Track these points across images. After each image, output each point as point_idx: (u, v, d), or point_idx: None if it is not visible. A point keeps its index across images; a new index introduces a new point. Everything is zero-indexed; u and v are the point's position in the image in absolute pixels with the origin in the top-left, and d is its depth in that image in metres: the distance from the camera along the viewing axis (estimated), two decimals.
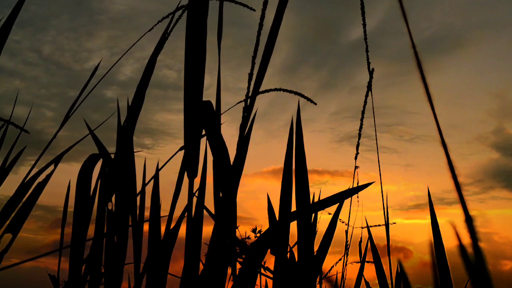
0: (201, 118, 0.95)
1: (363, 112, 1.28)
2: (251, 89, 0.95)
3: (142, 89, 1.06)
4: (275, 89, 1.08)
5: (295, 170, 1.11)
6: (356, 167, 1.39)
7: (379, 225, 1.57)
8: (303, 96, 1.10)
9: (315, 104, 1.12)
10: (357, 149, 1.34)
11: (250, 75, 0.95)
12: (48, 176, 1.27)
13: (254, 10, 1.05)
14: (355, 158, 1.34)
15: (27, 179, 1.35)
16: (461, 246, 0.47)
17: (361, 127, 1.31)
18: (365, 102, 1.29)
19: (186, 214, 1.00)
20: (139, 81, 1.07)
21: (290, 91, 1.10)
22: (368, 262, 1.57)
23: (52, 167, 1.40)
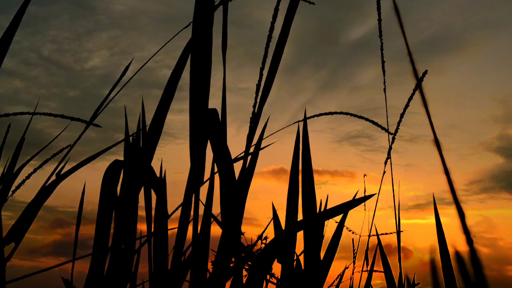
0: (207, 127, 0.96)
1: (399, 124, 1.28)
2: (258, 100, 0.96)
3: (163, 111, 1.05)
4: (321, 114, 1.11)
5: (301, 179, 1.11)
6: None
7: (386, 233, 1.57)
8: (372, 122, 1.12)
9: (387, 131, 1.15)
10: (385, 164, 1.34)
11: (258, 86, 0.96)
12: (53, 186, 1.27)
13: (314, 3, 1.03)
14: (385, 163, 1.34)
15: (48, 184, 1.33)
16: (457, 254, 0.47)
17: (393, 140, 1.31)
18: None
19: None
20: (158, 105, 1.04)
21: (354, 115, 1.12)
22: (376, 271, 1.57)
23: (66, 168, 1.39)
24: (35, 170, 1.38)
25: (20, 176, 1.55)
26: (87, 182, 1.45)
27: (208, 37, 0.94)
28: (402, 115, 1.33)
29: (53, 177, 1.30)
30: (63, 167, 1.41)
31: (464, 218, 0.42)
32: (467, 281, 0.46)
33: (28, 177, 1.38)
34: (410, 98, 1.30)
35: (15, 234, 1.23)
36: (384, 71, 1.32)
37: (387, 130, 1.26)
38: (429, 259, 0.56)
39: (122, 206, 1.06)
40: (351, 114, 1.24)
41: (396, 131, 1.35)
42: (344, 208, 0.98)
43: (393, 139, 1.35)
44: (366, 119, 1.24)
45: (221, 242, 0.96)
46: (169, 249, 1.10)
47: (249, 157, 0.98)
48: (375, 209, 1.40)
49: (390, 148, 1.33)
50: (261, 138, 0.98)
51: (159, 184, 1.10)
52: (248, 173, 0.96)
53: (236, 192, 0.95)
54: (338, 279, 1.74)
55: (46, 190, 1.29)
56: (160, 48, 1.21)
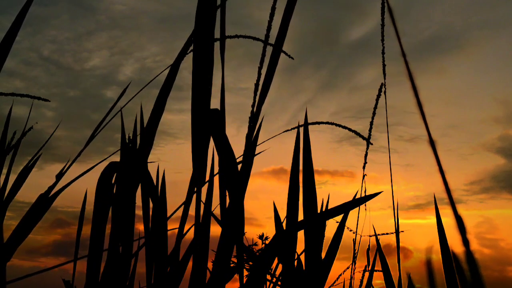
0: (208, 127, 0.96)
1: (371, 123, 1.30)
2: (257, 99, 0.96)
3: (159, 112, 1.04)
4: (327, 123, 1.13)
5: (302, 179, 1.11)
6: (364, 175, 1.39)
7: (387, 233, 1.56)
8: (359, 134, 1.15)
9: (370, 142, 1.18)
10: (365, 159, 1.35)
11: (256, 85, 0.96)
12: (53, 198, 1.26)
13: (292, 58, 1.08)
14: (363, 168, 1.35)
15: (51, 193, 1.32)
16: (453, 254, 0.48)
17: (369, 137, 1.32)
18: (376, 103, 1.30)
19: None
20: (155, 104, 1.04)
21: (341, 126, 1.14)
22: (376, 271, 1.57)
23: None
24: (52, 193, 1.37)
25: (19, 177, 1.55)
26: (86, 183, 1.45)
27: (209, 36, 0.94)
28: (372, 121, 1.35)
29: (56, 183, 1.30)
30: (65, 171, 1.40)
31: (460, 219, 0.42)
32: (464, 281, 0.46)
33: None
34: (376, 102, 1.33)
35: (15, 242, 1.22)
36: (384, 74, 1.33)
37: (366, 139, 1.28)
38: (425, 259, 0.56)
39: (118, 207, 1.06)
40: (335, 124, 1.26)
41: (369, 137, 1.37)
42: (345, 208, 0.98)
43: (368, 144, 1.37)
44: (345, 128, 1.26)
45: (221, 241, 0.96)
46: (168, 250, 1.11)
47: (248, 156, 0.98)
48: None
49: (366, 154, 1.35)
50: (256, 138, 0.97)
51: (155, 190, 1.10)
52: (245, 171, 0.96)
53: (239, 191, 0.95)
54: (338, 279, 1.73)
55: (50, 199, 1.28)
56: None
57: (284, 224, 1.18)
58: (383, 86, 1.39)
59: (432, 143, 0.44)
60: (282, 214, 1.25)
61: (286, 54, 1.08)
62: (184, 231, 1.03)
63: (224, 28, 1.01)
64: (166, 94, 1.02)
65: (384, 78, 1.32)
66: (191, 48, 1.01)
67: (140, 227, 1.24)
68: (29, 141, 1.79)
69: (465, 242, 0.41)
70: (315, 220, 1.07)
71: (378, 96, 1.38)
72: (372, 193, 1.14)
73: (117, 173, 1.12)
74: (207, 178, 1.01)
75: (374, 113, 1.40)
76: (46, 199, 1.23)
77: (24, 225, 1.19)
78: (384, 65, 1.29)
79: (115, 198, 1.07)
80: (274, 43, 0.93)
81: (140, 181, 1.07)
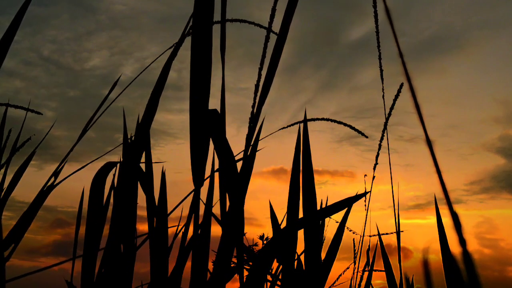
0: (207, 127, 0.96)
1: (385, 124, 1.30)
2: (257, 100, 0.96)
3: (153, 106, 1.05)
4: (323, 119, 1.13)
5: (302, 178, 1.11)
6: (370, 176, 1.40)
7: (387, 233, 1.56)
8: (354, 129, 1.15)
9: (367, 137, 1.19)
10: (376, 159, 1.35)
11: (257, 86, 0.96)
12: (50, 188, 1.27)
13: (265, 27, 1.06)
14: (374, 169, 1.36)
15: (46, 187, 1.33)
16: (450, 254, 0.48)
17: (381, 139, 1.32)
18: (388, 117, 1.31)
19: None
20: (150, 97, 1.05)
21: (340, 122, 1.15)
22: (376, 270, 1.57)
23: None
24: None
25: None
26: (86, 182, 1.46)
27: (208, 35, 0.94)
28: (387, 119, 1.36)
29: (52, 179, 1.31)
30: (62, 167, 1.41)
31: (456, 216, 0.42)
32: (461, 282, 0.46)
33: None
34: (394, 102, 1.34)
35: (14, 237, 1.23)
36: (382, 79, 1.34)
37: (363, 134, 1.29)
38: (422, 259, 0.56)
39: (120, 204, 1.06)
40: (333, 120, 1.27)
41: (382, 137, 1.38)
42: (344, 205, 0.98)
43: (380, 146, 1.38)
44: (346, 124, 1.27)
45: (222, 241, 0.96)
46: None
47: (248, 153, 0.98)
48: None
49: (378, 155, 1.35)
50: (257, 139, 0.98)
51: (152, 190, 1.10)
52: (247, 171, 0.96)
53: (239, 192, 0.95)
54: (338, 279, 1.73)
55: (44, 194, 1.29)
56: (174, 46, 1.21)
57: (283, 223, 1.18)
58: (402, 86, 1.40)
59: (429, 142, 0.44)
60: (283, 214, 1.26)
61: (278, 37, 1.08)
62: (187, 230, 1.03)
63: (224, 26, 1.01)
64: (164, 81, 1.02)
65: (382, 83, 1.32)
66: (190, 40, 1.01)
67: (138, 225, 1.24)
68: (28, 142, 1.79)
69: (461, 240, 0.41)
70: (315, 217, 1.06)
71: (397, 96, 1.38)
72: (373, 193, 1.14)
73: (119, 172, 1.13)
74: (206, 179, 1.01)
75: (389, 114, 1.40)
76: (40, 194, 1.24)
77: (21, 222, 1.20)
78: (381, 70, 1.29)
79: (116, 196, 1.08)
80: (274, 45, 0.93)
81: (138, 179, 1.07)
